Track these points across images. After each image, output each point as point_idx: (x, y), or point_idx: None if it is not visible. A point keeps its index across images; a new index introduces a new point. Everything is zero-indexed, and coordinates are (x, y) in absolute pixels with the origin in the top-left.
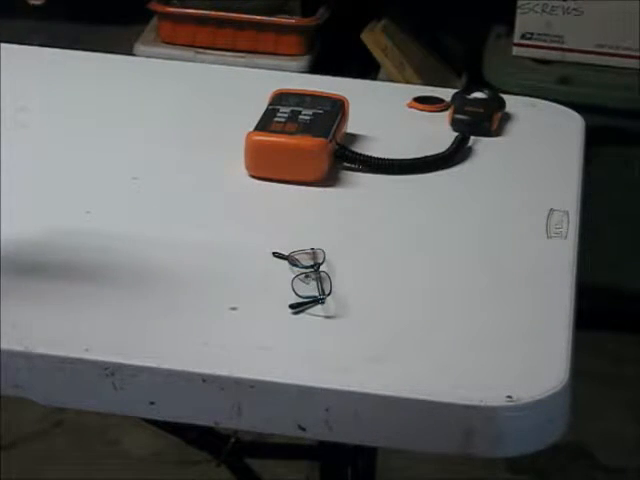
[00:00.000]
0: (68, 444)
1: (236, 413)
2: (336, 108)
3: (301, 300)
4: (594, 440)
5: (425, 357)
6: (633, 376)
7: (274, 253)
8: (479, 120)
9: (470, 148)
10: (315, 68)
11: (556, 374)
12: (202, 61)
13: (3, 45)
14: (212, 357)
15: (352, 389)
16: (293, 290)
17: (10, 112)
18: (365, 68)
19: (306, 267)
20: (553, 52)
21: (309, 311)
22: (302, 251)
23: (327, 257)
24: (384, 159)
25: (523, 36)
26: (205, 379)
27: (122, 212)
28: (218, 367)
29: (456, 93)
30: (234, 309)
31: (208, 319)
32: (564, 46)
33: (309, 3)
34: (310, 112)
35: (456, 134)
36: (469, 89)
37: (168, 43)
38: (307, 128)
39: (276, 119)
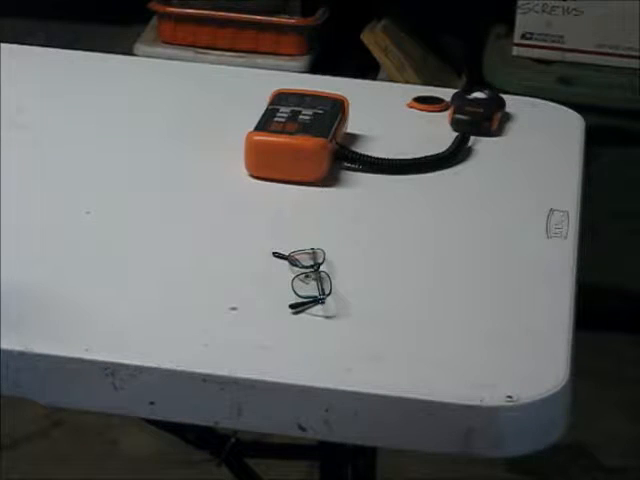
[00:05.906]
0: (68, 444)
1: (236, 413)
2: (336, 108)
3: (301, 300)
4: (594, 440)
5: (425, 357)
6: (633, 376)
7: (274, 253)
8: (479, 120)
9: (470, 148)
10: (315, 68)
11: (556, 374)
12: (202, 61)
13: (3, 45)
14: (212, 357)
15: (352, 389)
16: (293, 290)
17: (10, 112)
18: (365, 68)
19: (306, 267)
20: (553, 52)
21: (309, 311)
22: (302, 251)
23: (327, 257)
24: (384, 159)
25: (523, 36)
26: (205, 379)
27: (122, 212)
28: (218, 367)
29: (456, 93)
30: (234, 309)
31: (208, 319)
32: (564, 46)
33: (309, 3)
34: (310, 112)
35: (456, 134)
36: (469, 89)
37: (168, 43)
38: (307, 128)
39: (276, 119)
